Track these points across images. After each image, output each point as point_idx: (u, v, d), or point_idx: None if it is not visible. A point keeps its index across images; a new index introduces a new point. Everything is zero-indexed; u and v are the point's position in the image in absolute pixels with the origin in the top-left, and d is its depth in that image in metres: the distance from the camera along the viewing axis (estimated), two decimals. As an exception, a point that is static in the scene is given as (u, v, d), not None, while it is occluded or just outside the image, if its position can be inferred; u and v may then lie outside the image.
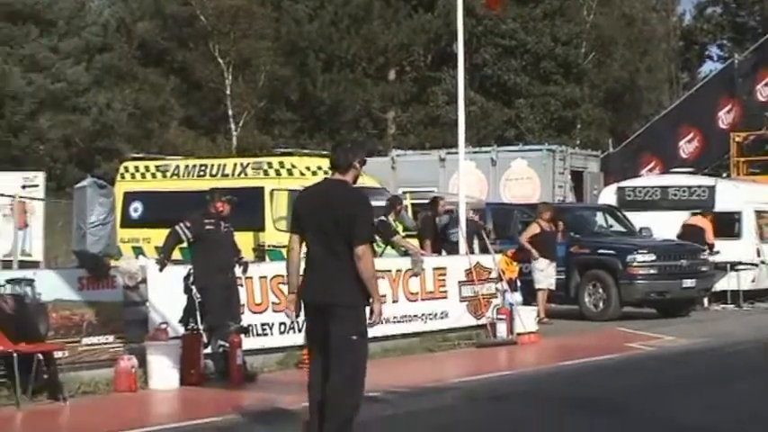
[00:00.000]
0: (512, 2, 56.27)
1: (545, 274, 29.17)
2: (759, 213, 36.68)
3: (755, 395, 18.07)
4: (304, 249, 12.45)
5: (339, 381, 11.97)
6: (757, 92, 48.35)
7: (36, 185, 37.94)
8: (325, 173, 29.05)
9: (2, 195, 35.66)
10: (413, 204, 30.07)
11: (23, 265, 31.63)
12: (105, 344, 18.64)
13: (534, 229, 29.49)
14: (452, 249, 26.90)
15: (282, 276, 21.70)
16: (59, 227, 38.71)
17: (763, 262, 35.51)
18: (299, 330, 20.86)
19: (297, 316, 12.51)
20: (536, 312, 27.13)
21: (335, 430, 11.96)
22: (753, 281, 35.33)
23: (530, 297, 27.68)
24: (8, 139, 59.51)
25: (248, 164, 30.68)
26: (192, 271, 19.02)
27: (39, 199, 36.95)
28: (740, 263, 34.62)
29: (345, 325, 11.95)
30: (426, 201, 30.09)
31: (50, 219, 38.21)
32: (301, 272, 12.39)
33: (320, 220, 12.16)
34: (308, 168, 29.35)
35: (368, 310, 12.14)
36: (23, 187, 37.30)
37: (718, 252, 32.95)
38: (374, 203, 26.74)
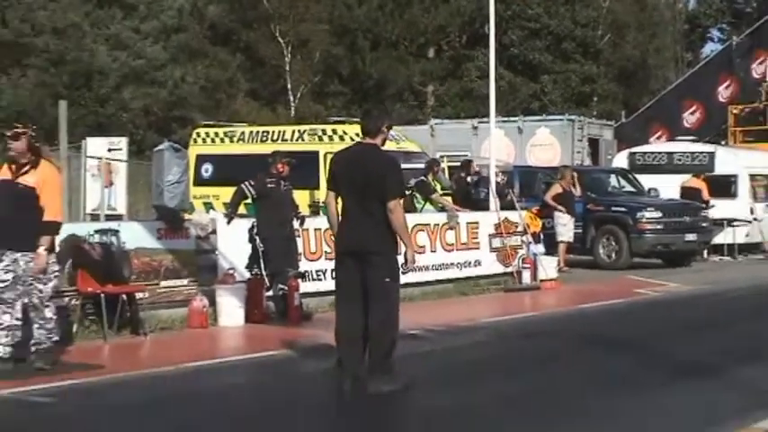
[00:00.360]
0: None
1: (566, 228, 29.22)
2: (753, 176, 36.61)
3: (755, 331, 18.06)
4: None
5: (378, 320, 12.08)
6: (752, 70, 48.10)
7: (120, 149, 37.96)
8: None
9: (90, 158, 35.74)
10: (449, 167, 30.01)
11: (109, 218, 31.67)
12: (180, 286, 18.69)
13: (557, 188, 29.51)
14: (480, 206, 26.90)
15: (335, 229, 21.88)
16: (140, 185, 38.76)
17: (755, 219, 35.46)
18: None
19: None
20: (557, 262, 27.14)
21: (378, 364, 12.04)
22: (747, 235, 35.34)
23: (551, 248, 27.56)
24: (96, 108, 59.50)
25: (305, 131, 30.74)
26: (255, 224, 19.06)
27: (122, 161, 36.96)
28: (736, 219, 34.57)
29: (380, 270, 12.02)
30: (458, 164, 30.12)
31: (132, 178, 38.24)
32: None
33: (353, 180, 12.25)
34: (357, 134, 29.01)
35: (401, 258, 12.21)
36: (109, 150, 37.33)
37: (713, 206, 32.88)
38: (414, 165, 27.12)
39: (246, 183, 19.26)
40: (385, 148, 26.42)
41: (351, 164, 12.54)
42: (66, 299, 16.16)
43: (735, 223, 34.55)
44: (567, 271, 28.20)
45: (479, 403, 12.11)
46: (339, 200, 12.52)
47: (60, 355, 14.34)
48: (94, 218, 32.37)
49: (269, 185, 19.05)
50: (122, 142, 38.74)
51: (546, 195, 29.69)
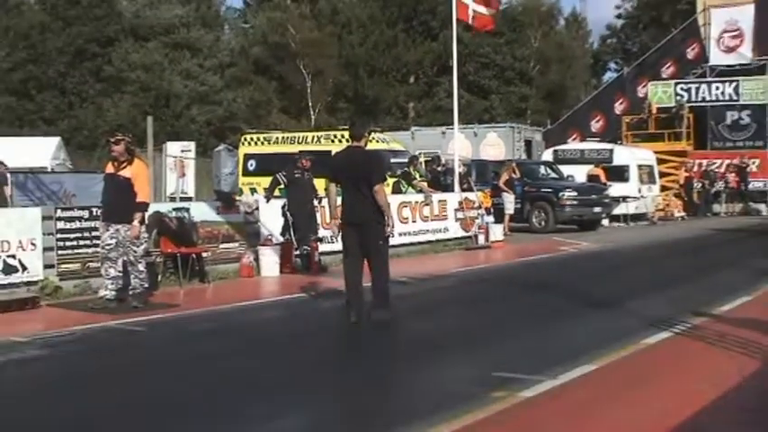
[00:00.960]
0: (486, 34, 55.92)
1: (510, 204, 29.34)
2: (640, 166, 36.79)
3: (640, 275, 18.18)
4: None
5: (377, 271, 12.30)
6: (638, 91, 48.14)
7: (190, 150, 38.21)
8: (370, 141, 29.29)
9: (169, 156, 35.81)
10: (425, 161, 30.00)
11: (182, 199, 31.77)
12: (233, 248, 18.69)
13: (505, 176, 29.60)
14: (447, 189, 26.95)
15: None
16: (204, 176, 38.88)
17: (642, 196, 35.67)
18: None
19: (338, 232, 12.83)
20: (503, 228, 27.29)
21: (381, 298, 12.23)
22: (636, 208, 35.48)
23: (498, 219, 27.58)
24: (173, 122, 59.66)
25: (321, 135, 30.71)
26: (286, 203, 19.07)
27: (191, 158, 37.05)
28: (628, 197, 34.73)
29: (374, 235, 12.18)
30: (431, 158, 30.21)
31: (199, 171, 38.37)
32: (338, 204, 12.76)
33: (349, 171, 12.44)
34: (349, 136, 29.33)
35: (387, 227, 12.28)
36: (182, 151, 37.52)
37: (611, 186, 33.12)
38: (400, 160, 27.17)
39: (279, 174, 19.36)
40: (379, 147, 26.59)
41: (346, 160, 12.73)
42: (153, 257, 16.16)
43: (627, 199, 34.72)
44: (510, 235, 28.20)
45: (453, 326, 12.32)
46: (338, 187, 12.70)
47: (149, 297, 14.41)
48: (172, 199, 32.48)
49: (296, 175, 19.11)
50: (191, 145, 39.03)
51: (499, 181, 29.70)
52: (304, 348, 10.97)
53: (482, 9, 26.75)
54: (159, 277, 16.27)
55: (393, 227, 12.69)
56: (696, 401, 7.69)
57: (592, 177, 33.84)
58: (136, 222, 13.57)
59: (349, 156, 12.84)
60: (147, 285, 14.11)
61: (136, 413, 7.90)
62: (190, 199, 32.46)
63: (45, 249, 15.15)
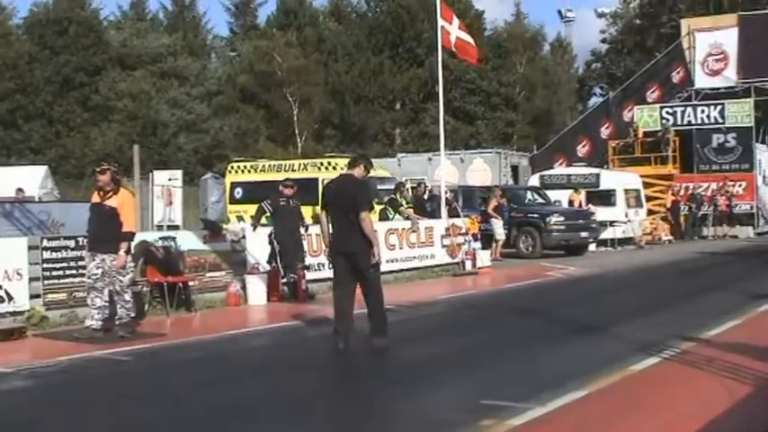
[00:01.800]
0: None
1: (500, 230, 29.43)
2: (626, 191, 36.86)
3: (628, 299, 18.12)
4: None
5: (370, 296, 12.46)
6: (624, 115, 48.30)
7: (177, 179, 38.02)
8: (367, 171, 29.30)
9: (156, 185, 35.72)
10: (411, 187, 30.00)
11: (170, 228, 31.61)
12: (220, 277, 18.61)
13: (494, 203, 29.66)
14: (433, 215, 26.91)
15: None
16: (191, 204, 38.80)
17: (629, 220, 35.72)
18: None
19: (329, 261, 13.00)
20: (492, 253, 27.67)
21: (378, 324, 12.46)
22: (623, 232, 35.56)
23: (485, 244, 27.56)
24: (160, 150, 59.65)
25: (308, 163, 30.62)
26: (273, 231, 18.96)
27: (178, 187, 36.94)
28: (615, 221, 34.76)
29: (363, 263, 12.21)
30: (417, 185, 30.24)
31: (186, 199, 38.27)
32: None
33: (338, 200, 12.53)
34: (345, 165, 29.16)
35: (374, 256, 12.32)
36: (169, 180, 37.36)
37: (593, 212, 33.16)
38: (387, 186, 27.11)
39: (265, 202, 19.19)
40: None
41: (336, 189, 12.83)
42: (140, 286, 16.08)
43: (614, 224, 34.76)
44: (501, 260, 28.36)
45: (442, 353, 12.19)
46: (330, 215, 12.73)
47: (136, 326, 14.29)
48: (159, 228, 32.29)
49: (281, 203, 18.96)
50: (178, 174, 38.86)
51: (488, 207, 29.76)
52: (291, 377, 10.89)
53: (468, 38, 26.83)
54: (146, 306, 16.19)
55: (380, 255, 12.65)
56: (685, 428, 7.63)
57: (571, 202, 33.99)
58: (122, 252, 13.47)
59: (339, 184, 12.96)
60: (133, 315, 14.02)
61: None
62: (177, 227, 32.31)
63: (31, 279, 15.02)
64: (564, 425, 7.96)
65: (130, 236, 13.86)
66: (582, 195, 34.42)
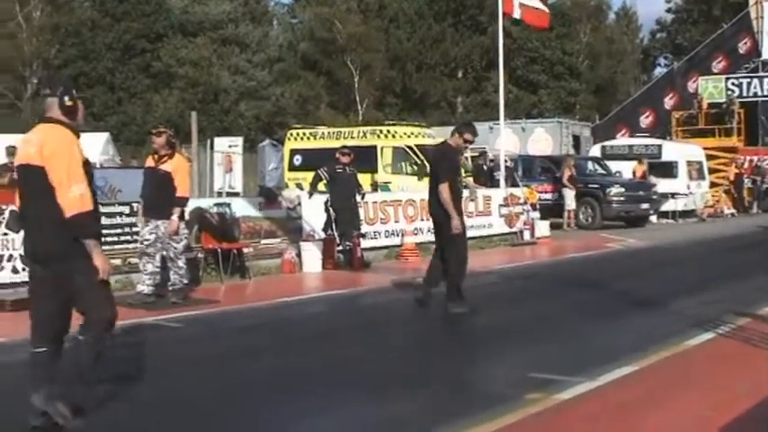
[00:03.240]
0: (535, 28, 55.80)
1: (571, 200, 29.54)
2: (689, 162, 36.34)
3: (686, 274, 17.92)
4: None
5: (448, 263, 12.80)
6: (688, 86, 47.84)
7: (237, 145, 38.26)
8: (416, 136, 29.24)
9: (216, 152, 35.93)
10: (472, 156, 29.80)
11: (229, 194, 31.87)
12: (275, 244, 18.67)
13: (567, 172, 29.62)
14: (493, 184, 26.82)
15: (387, 201, 21.87)
16: (252, 171, 39.00)
17: (690, 192, 35.32)
18: (396, 235, 21.13)
19: None
20: (565, 223, 29.12)
21: (451, 291, 12.73)
22: (684, 204, 35.17)
23: (558, 214, 27.58)
24: (220, 117, 59.95)
25: (367, 130, 30.56)
26: (329, 198, 18.92)
27: (238, 153, 37.14)
28: (676, 193, 34.37)
29: (443, 231, 12.74)
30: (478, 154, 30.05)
31: (246, 166, 38.47)
32: None
33: (431, 168, 13.45)
34: (405, 134, 29.30)
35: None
36: (229, 146, 37.62)
37: (653, 182, 32.81)
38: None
39: (321, 169, 19.14)
40: (426, 142, 26.48)
41: (432, 157, 13.87)
42: (194, 253, 16.15)
43: (676, 196, 34.38)
44: (573, 229, 28.74)
45: (494, 324, 12.20)
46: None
47: (189, 293, 14.39)
48: (219, 195, 32.53)
49: (338, 170, 18.90)
50: (239, 141, 39.10)
51: (563, 178, 29.66)
52: (344, 344, 10.86)
53: (534, 3, 26.49)
54: (200, 273, 16.27)
55: (456, 226, 12.61)
56: (737, 408, 7.47)
57: (634, 173, 33.72)
58: (174, 217, 13.50)
59: (435, 152, 13.70)
60: (186, 281, 14.07)
61: (171, 410, 7.83)
62: (237, 194, 32.52)
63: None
64: (611, 400, 7.84)
65: (184, 201, 13.88)
66: (645, 167, 34.02)
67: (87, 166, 7.02)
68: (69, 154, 6.82)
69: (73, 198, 6.68)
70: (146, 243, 13.73)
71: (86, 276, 6.83)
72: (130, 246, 15.48)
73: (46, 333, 6.97)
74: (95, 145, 37.78)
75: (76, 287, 6.86)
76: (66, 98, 7.03)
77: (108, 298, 7.15)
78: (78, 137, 7.05)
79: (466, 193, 24.25)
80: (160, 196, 13.53)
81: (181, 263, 13.85)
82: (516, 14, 26.49)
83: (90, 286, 6.87)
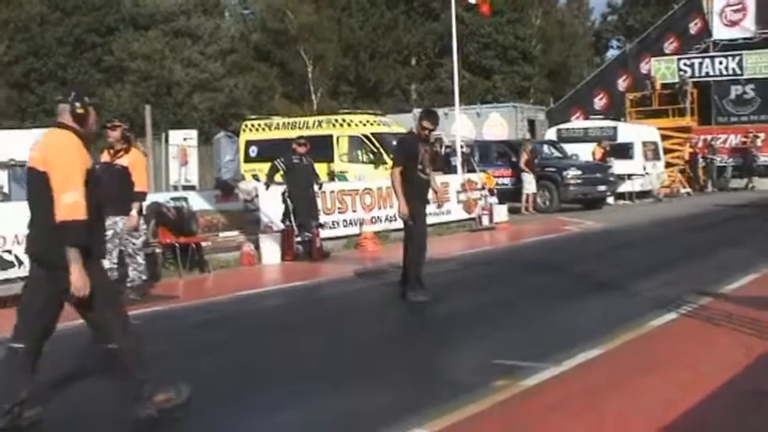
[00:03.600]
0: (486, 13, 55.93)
1: (530, 184, 29.72)
2: (644, 143, 36.55)
3: (645, 255, 17.95)
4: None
5: (407, 247, 13.03)
6: (641, 68, 48.05)
7: (192, 138, 38.10)
8: (372, 124, 29.15)
9: (171, 145, 35.75)
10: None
11: (185, 188, 31.70)
12: (233, 236, 18.56)
13: (525, 156, 29.79)
14: (450, 170, 26.84)
15: (345, 191, 21.81)
16: (206, 163, 38.82)
17: (646, 173, 35.55)
18: (354, 224, 21.11)
19: None
20: (524, 207, 29.31)
21: (409, 276, 12.80)
22: (641, 185, 35.41)
23: (501, 200, 27.42)
24: (175, 110, 59.63)
25: (323, 120, 30.44)
26: (286, 189, 18.80)
27: (193, 146, 36.97)
28: (632, 174, 34.60)
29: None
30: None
31: (201, 159, 38.31)
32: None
33: None
34: (360, 122, 29.20)
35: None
36: (184, 139, 37.49)
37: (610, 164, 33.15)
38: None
39: (278, 160, 19.01)
40: (382, 130, 26.39)
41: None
42: (152, 248, 15.99)
43: (632, 177, 34.61)
44: (532, 212, 28.93)
45: (456, 311, 12.07)
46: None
47: (148, 289, 14.27)
48: (175, 188, 32.36)
49: (294, 161, 18.76)
50: (193, 133, 38.96)
51: (521, 162, 29.81)
52: (305, 338, 10.78)
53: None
54: (159, 268, 16.12)
55: (400, 211, 12.73)
56: (703, 388, 7.47)
57: (594, 155, 33.86)
58: (134, 212, 13.34)
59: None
60: (145, 277, 13.94)
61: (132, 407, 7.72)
62: (193, 187, 32.35)
63: (42, 243, 14.96)
64: (578, 385, 7.82)
65: (142, 196, 13.74)
66: (604, 148, 34.14)
67: (91, 174, 6.94)
68: (70, 160, 6.79)
69: (65, 204, 6.62)
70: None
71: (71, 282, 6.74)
72: (87, 243, 15.26)
73: (28, 330, 6.99)
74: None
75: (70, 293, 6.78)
76: (78, 104, 7.02)
77: (118, 321, 7.13)
78: (89, 142, 7.10)
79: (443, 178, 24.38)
80: (118, 191, 13.29)
81: (140, 259, 13.72)
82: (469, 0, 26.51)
83: (102, 291, 6.90)
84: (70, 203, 6.62)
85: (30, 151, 7.07)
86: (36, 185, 6.88)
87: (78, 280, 6.68)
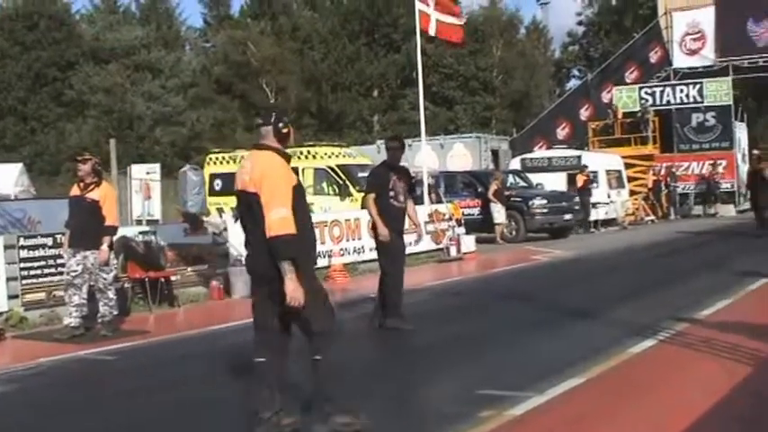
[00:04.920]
0: (448, 44, 56.25)
1: (500, 214, 29.59)
2: (608, 171, 36.80)
3: (616, 282, 17.96)
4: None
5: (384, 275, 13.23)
6: (603, 97, 48.49)
7: (155, 172, 37.87)
8: (337, 156, 29.09)
9: (134, 179, 35.51)
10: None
11: (149, 222, 31.45)
12: (202, 270, 18.40)
13: (494, 186, 29.69)
14: (416, 201, 26.75)
15: (313, 223, 21.67)
16: (170, 197, 38.57)
17: (611, 201, 35.75)
18: (323, 256, 20.97)
19: None
20: (497, 237, 29.14)
21: (391, 300, 12.93)
22: (606, 213, 35.58)
23: (469, 230, 27.40)
24: (137, 144, 59.36)
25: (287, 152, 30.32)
26: (256, 221, 18.64)
27: (156, 180, 36.73)
28: (597, 202, 34.75)
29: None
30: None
31: (165, 193, 38.08)
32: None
33: None
34: (325, 154, 29.15)
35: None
36: (147, 173, 37.21)
37: (575, 195, 33.16)
38: (366, 174, 26.85)
39: (247, 192, 18.87)
40: (347, 161, 26.33)
41: None
42: (122, 282, 15.84)
43: (597, 205, 34.75)
44: (503, 243, 28.80)
45: (432, 342, 11.98)
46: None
47: (119, 324, 14.09)
48: (139, 223, 32.10)
49: (264, 193, 18.63)
50: (156, 167, 38.70)
51: (489, 192, 29.73)
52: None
53: (449, 19, 26.54)
54: (129, 303, 15.97)
55: (380, 233, 12.77)
56: (689, 413, 7.46)
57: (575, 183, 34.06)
58: (104, 247, 13.18)
59: None
60: (116, 312, 13.76)
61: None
62: (156, 221, 32.12)
63: (9, 279, 14.79)
64: (564, 413, 7.77)
65: (113, 230, 13.58)
66: (586, 176, 34.24)
67: (298, 190, 7.37)
68: (276, 177, 7.23)
69: (274, 220, 7.04)
70: (72, 274, 13.28)
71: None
72: (55, 278, 15.08)
73: (264, 344, 7.61)
74: (9, 176, 37.18)
75: (294, 306, 7.16)
76: (281, 125, 7.50)
77: (323, 310, 7.51)
78: (289, 160, 7.60)
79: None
80: (88, 225, 13.18)
81: (111, 294, 13.54)
82: (432, 31, 26.49)
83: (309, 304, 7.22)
84: (279, 219, 7.04)
85: (238, 175, 7.47)
86: (249, 207, 7.31)
87: (294, 291, 7.05)
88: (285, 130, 7.51)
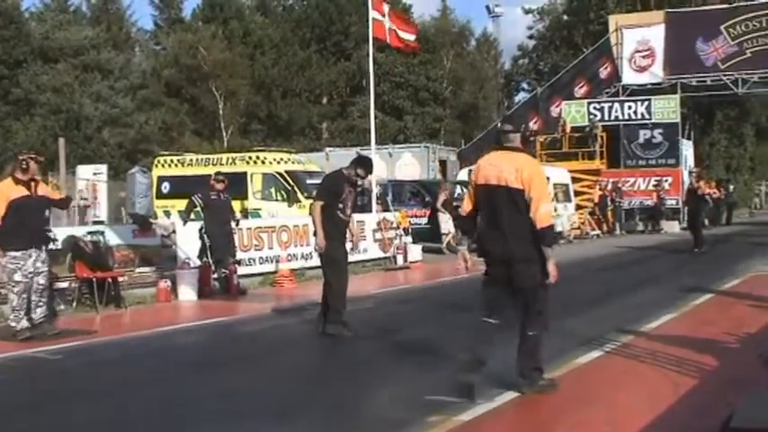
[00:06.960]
0: (399, 54, 56.50)
1: (448, 224, 29.58)
2: (556, 185, 36.85)
3: (562, 294, 17.94)
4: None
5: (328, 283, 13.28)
6: (551, 111, 48.87)
7: (102, 173, 37.71)
8: (286, 162, 29.07)
9: (81, 179, 35.35)
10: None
11: (95, 223, 31.25)
12: (150, 272, 18.34)
13: (442, 197, 29.92)
14: (364, 209, 26.86)
15: (261, 228, 21.70)
16: (116, 199, 38.36)
17: (558, 215, 35.88)
18: (270, 261, 20.97)
19: None
20: (444, 246, 29.09)
21: (334, 308, 12.96)
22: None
23: (416, 240, 27.48)
24: (84, 145, 58.84)
25: (236, 157, 30.30)
26: (203, 225, 18.67)
27: (103, 181, 36.57)
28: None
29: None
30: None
31: (111, 194, 37.87)
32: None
33: None
34: (274, 160, 29.09)
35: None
36: (94, 174, 37.05)
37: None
38: (315, 180, 26.96)
39: (196, 196, 18.87)
40: (295, 168, 26.32)
41: None
42: (68, 283, 15.74)
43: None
44: (450, 253, 28.66)
45: (378, 349, 12.01)
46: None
47: (62, 323, 13.98)
48: (85, 223, 31.90)
49: (212, 197, 18.65)
50: (103, 168, 38.53)
51: (437, 202, 29.94)
52: (224, 375, 10.62)
53: (405, 35, 26.69)
54: (75, 304, 15.88)
55: (318, 243, 12.93)
56: (634, 424, 7.53)
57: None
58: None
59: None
60: (61, 308, 13.70)
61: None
62: (102, 223, 31.93)
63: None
64: (512, 419, 7.87)
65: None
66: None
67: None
68: (543, 177, 8.55)
69: (544, 213, 8.36)
70: (30, 275, 13.13)
71: (541, 276, 8.72)
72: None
73: (497, 312, 9.08)
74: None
75: (531, 286, 8.77)
76: (528, 133, 8.29)
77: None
78: None
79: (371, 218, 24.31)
80: (46, 224, 13.17)
81: (46, 293, 13.48)
82: (387, 39, 26.57)
83: (542, 286, 8.85)
84: (548, 213, 8.45)
85: (483, 170, 8.71)
86: (509, 199, 8.44)
87: (555, 269, 8.71)
88: (532, 138, 8.71)
